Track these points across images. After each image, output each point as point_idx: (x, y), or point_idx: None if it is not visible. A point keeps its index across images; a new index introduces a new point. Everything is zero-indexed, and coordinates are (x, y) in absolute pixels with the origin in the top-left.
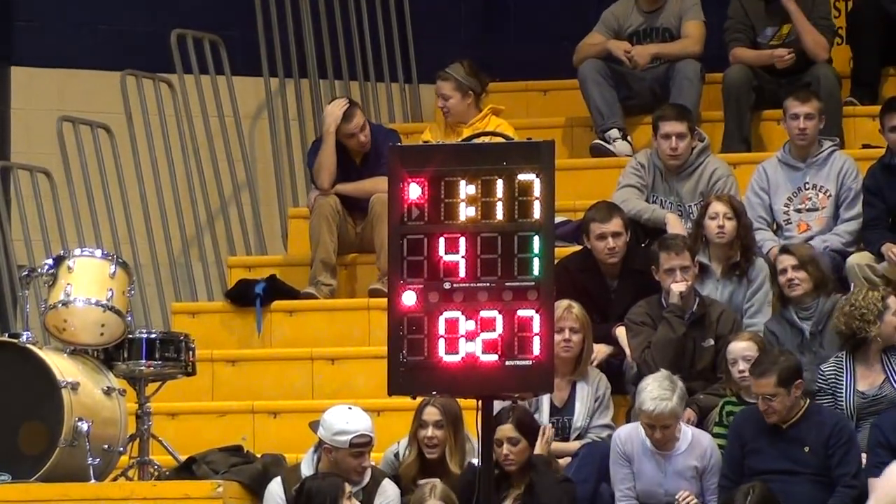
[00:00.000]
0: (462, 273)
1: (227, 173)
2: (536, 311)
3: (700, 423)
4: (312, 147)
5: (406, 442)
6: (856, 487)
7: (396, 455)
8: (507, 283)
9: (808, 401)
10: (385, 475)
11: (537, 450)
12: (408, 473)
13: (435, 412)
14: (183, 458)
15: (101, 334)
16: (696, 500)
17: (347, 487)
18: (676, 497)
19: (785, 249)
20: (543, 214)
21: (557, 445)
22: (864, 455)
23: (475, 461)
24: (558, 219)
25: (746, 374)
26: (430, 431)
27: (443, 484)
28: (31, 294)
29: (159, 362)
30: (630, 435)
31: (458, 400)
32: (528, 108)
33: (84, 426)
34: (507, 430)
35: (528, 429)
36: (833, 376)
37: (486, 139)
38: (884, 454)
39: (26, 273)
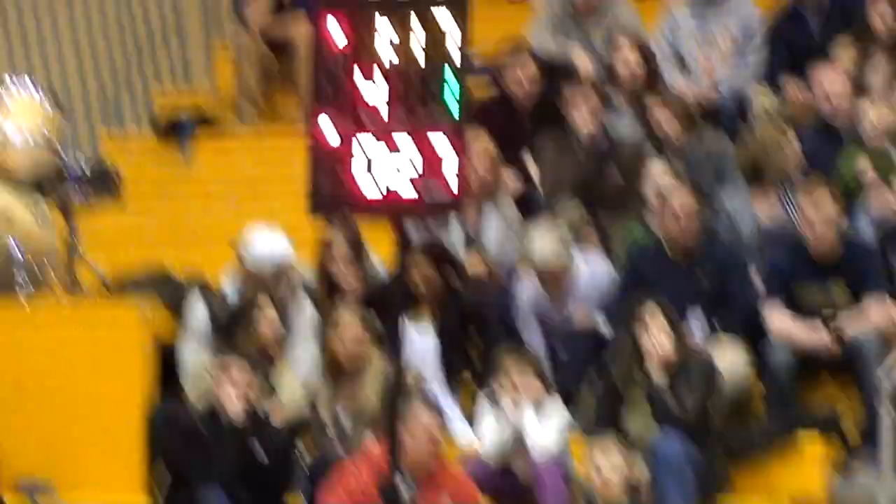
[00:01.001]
0: (382, 111)
1: (156, 6)
2: (452, 147)
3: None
4: None
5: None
6: (751, 307)
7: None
8: (424, 121)
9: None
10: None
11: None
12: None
13: (342, 243)
14: (110, 282)
15: (35, 168)
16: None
17: (263, 299)
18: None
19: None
20: (459, 54)
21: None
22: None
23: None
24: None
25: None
26: (341, 266)
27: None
28: None
29: (89, 190)
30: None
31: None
32: None
33: (16, 249)
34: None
35: (439, 260)
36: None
37: None
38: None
39: None
